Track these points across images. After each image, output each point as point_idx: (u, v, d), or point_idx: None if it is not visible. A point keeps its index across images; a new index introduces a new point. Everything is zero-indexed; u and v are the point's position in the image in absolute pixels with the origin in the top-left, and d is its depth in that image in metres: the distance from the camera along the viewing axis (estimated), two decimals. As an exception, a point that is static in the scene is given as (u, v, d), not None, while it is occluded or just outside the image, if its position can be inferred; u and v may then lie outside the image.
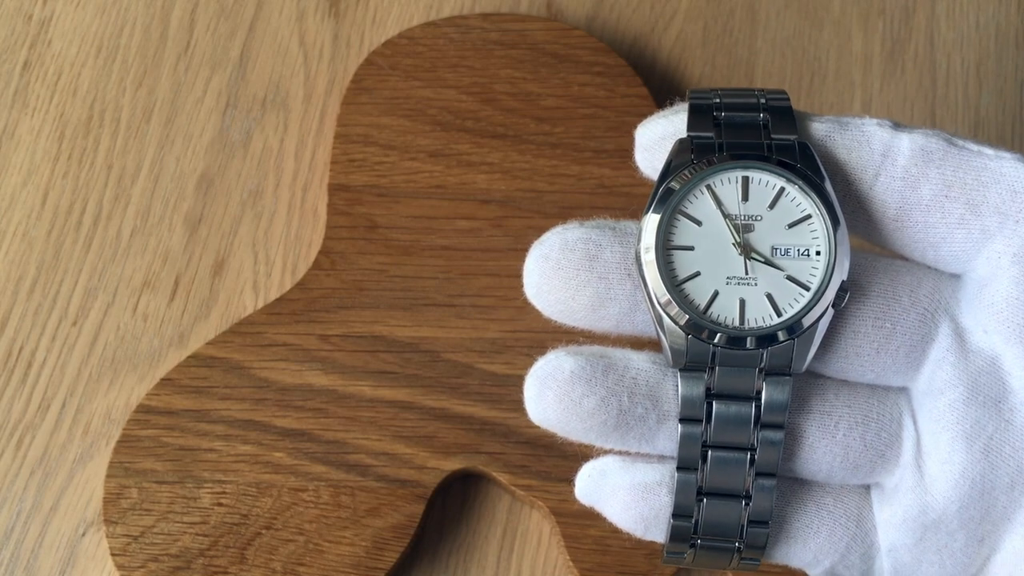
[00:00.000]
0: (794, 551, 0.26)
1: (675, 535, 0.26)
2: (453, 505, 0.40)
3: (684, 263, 0.24)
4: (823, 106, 0.46)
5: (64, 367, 0.42)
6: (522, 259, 0.41)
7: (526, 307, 0.41)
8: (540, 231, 0.41)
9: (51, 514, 0.40)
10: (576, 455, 0.39)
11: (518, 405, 0.39)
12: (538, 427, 0.39)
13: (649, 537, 0.27)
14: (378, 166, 0.43)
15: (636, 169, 0.26)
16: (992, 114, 0.46)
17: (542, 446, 0.39)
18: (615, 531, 0.38)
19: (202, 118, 0.46)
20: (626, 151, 0.43)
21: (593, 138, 0.43)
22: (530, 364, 0.40)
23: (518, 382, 0.40)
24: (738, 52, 0.47)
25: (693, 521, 0.25)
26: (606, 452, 0.27)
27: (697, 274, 0.24)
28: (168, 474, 0.38)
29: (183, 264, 0.43)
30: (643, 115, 0.44)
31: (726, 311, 0.24)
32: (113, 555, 0.37)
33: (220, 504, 0.38)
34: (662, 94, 0.46)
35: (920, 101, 0.46)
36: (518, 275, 0.41)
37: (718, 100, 0.25)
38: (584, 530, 0.38)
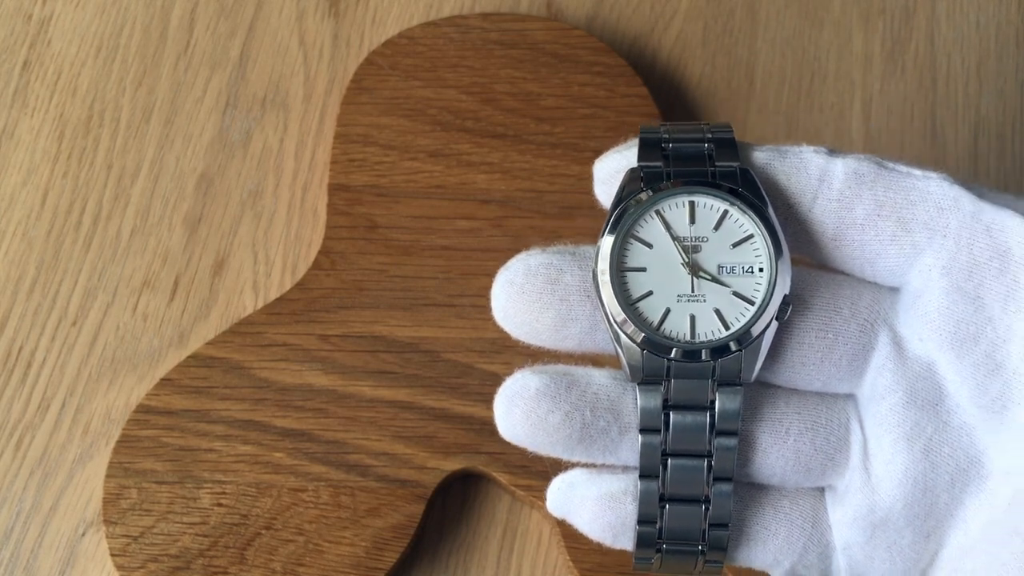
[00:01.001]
0: (755, 553, 0.28)
1: (641, 541, 0.27)
2: (453, 505, 0.40)
3: (637, 283, 0.26)
4: (823, 106, 0.46)
5: (64, 367, 0.42)
6: (522, 259, 0.41)
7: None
8: (540, 231, 0.41)
9: (51, 514, 0.40)
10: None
11: (518, 405, 0.40)
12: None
13: (618, 545, 0.28)
14: (378, 166, 0.43)
15: (596, 201, 0.28)
16: (992, 114, 0.46)
17: (542, 446, 0.39)
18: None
19: (202, 118, 0.46)
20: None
21: (593, 138, 0.43)
22: (530, 364, 0.40)
23: (518, 382, 0.40)
24: (738, 52, 0.47)
25: (657, 527, 0.27)
26: (574, 467, 0.28)
27: (650, 293, 0.26)
28: (168, 474, 0.38)
29: (183, 264, 0.43)
30: (643, 115, 0.44)
31: (678, 327, 0.26)
32: (113, 555, 0.37)
33: (220, 504, 0.38)
34: (662, 94, 0.46)
35: (920, 101, 0.46)
36: (518, 275, 0.41)
37: (667, 135, 0.27)
38: (584, 530, 0.38)
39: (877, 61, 0.46)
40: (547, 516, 0.39)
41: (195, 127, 0.46)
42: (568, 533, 0.38)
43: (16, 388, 0.42)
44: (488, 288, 0.41)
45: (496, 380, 0.40)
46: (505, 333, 0.41)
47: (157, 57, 0.47)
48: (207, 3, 0.48)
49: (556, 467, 0.28)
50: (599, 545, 0.38)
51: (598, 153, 0.43)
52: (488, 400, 0.40)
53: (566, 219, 0.42)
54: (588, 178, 0.43)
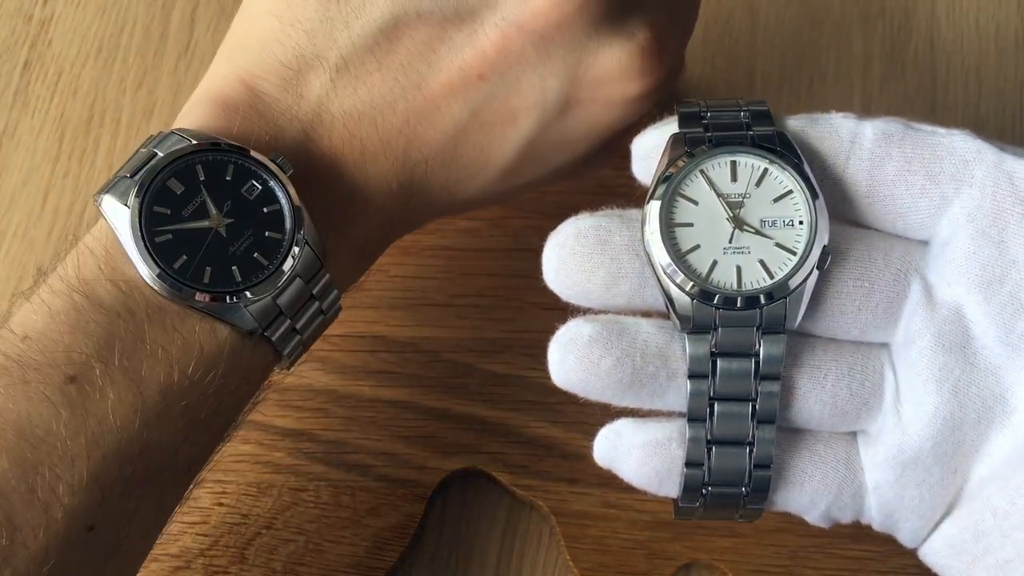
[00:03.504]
0: (792, 496, 0.29)
1: (688, 485, 0.29)
2: (453, 505, 0.40)
3: (685, 238, 0.28)
4: (823, 107, 0.46)
5: (64, 367, 0.42)
6: (522, 259, 0.41)
7: (526, 307, 0.41)
8: (540, 231, 0.41)
9: (51, 514, 0.40)
10: (576, 455, 0.39)
11: (518, 405, 0.40)
12: (538, 427, 0.39)
13: (663, 492, 0.29)
14: (378, 166, 0.43)
15: (634, 179, 0.29)
16: (992, 114, 0.46)
17: (542, 446, 0.39)
18: (615, 531, 0.38)
19: (202, 118, 0.46)
20: (626, 151, 0.43)
21: (593, 138, 0.43)
22: (530, 364, 0.40)
23: (518, 382, 0.40)
24: (738, 52, 0.47)
25: (704, 469, 0.28)
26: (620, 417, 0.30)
27: (697, 247, 0.27)
28: (168, 474, 0.38)
29: (183, 264, 0.43)
30: (642, 115, 0.44)
31: (725, 277, 0.27)
32: (113, 555, 0.37)
33: (220, 504, 0.38)
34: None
35: (920, 102, 0.46)
36: (518, 275, 0.42)
37: (704, 108, 0.29)
38: (584, 530, 0.38)
39: (877, 61, 0.46)
40: (547, 516, 0.39)
41: (195, 127, 0.46)
42: (568, 533, 0.38)
43: (17, 388, 0.41)
44: (488, 288, 0.42)
45: (496, 380, 0.40)
46: (505, 333, 0.41)
47: (158, 57, 0.47)
48: (207, 3, 0.48)
49: (605, 416, 0.30)
50: (599, 545, 0.38)
51: (598, 153, 0.43)
52: (488, 400, 0.40)
53: (566, 219, 0.42)
54: (589, 178, 0.43)
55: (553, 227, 0.29)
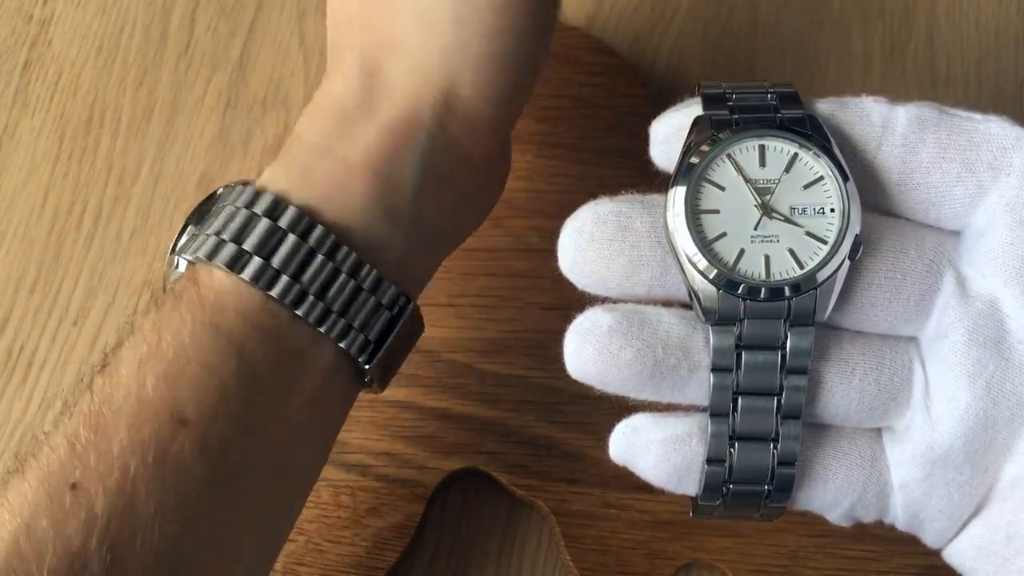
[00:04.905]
0: (815, 494, 0.28)
1: (709, 482, 0.28)
2: (453, 505, 0.40)
3: (711, 225, 0.27)
4: (823, 106, 0.46)
5: (64, 367, 0.42)
6: (522, 259, 0.41)
7: (526, 307, 0.41)
8: (540, 231, 0.41)
9: (51, 514, 0.40)
10: (576, 455, 0.39)
11: (518, 405, 0.40)
12: (538, 427, 0.39)
13: (681, 490, 0.28)
14: (378, 166, 0.43)
15: (652, 164, 0.28)
16: (992, 114, 0.46)
17: (542, 446, 0.39)
18: (615, 531, 0.38)
19: (202, 118, 0.46)
20: (626, 151, 0.43)
21: (593, 138, 0.43)
22: (530, 364, 0.40)
23: (518, 382, 0.40)
24: (738, 52, 0.47)
25: (726, 466, 0.27)
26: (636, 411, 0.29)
27: (724, 234, 0.26)
28: (168, 474, 0.38)
29: (183, 264, 0.43)
30: (643, 115, 0.44)
31: (753, 266, 0.26)
32: (113, 555, 0.37)
33: (220, 504, 0.38)
34: (662, 94, 0.46)
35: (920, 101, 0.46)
36: (518, 275, 0.42)
37: (729, 90, 0.28)
38: (584, 530, 0.38)
39: (877, 61, 0.46)
40: (547, 516, 0.39)
41: (195, 127, 0.46)
42: (568, 533, 0.38)
43: (17, 388, 0.42)
44: (488, 288, 0.42)
45: (496, 380, 0.40)
46: (505, 333, 0.41)
47: (158, 57, 0.47)
48: (207, 3, 0.48)
49: (605, 416, 0.29)
50: (599, 545, 0.38)
51: (598, 153, 0.43)
52: (488, 400, 0.40)
53: (566, 219, 0.42)
54: (588, 178, 0.43)
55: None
